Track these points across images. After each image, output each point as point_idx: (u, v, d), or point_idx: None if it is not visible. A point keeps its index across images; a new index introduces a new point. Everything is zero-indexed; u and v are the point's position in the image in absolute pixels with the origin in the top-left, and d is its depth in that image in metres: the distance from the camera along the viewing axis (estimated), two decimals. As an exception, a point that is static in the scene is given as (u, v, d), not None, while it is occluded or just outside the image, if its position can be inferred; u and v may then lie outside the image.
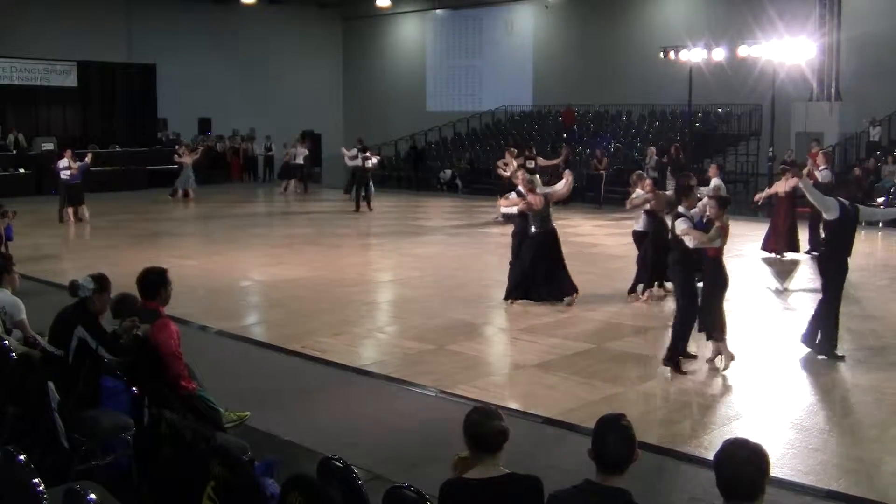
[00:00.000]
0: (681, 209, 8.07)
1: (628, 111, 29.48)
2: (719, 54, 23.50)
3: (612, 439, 3.33)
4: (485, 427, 3.54)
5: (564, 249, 15.21)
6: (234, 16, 34.75)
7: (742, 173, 25.71)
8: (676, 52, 23.98)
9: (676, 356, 7.96)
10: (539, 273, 10.61)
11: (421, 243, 16.56)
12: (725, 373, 8.00)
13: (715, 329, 8.04)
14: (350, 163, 22.05)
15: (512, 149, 19.99)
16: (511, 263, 11.13)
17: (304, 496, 3.40)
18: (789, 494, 5.42)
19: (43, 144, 25.81)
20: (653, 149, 22.78)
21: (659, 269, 10.53)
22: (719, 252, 7.95)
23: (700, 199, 8.51)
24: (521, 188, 10.91)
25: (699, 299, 8.10)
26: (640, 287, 11.08)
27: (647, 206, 11.04)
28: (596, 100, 29.97)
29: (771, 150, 22.63)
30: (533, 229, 10.70)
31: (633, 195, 11.32)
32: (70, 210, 18.46)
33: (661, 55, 24.50)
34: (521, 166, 18.24)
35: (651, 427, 6.43)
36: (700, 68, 24.18)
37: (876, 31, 23.40)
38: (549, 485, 3.53)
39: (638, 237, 11.31)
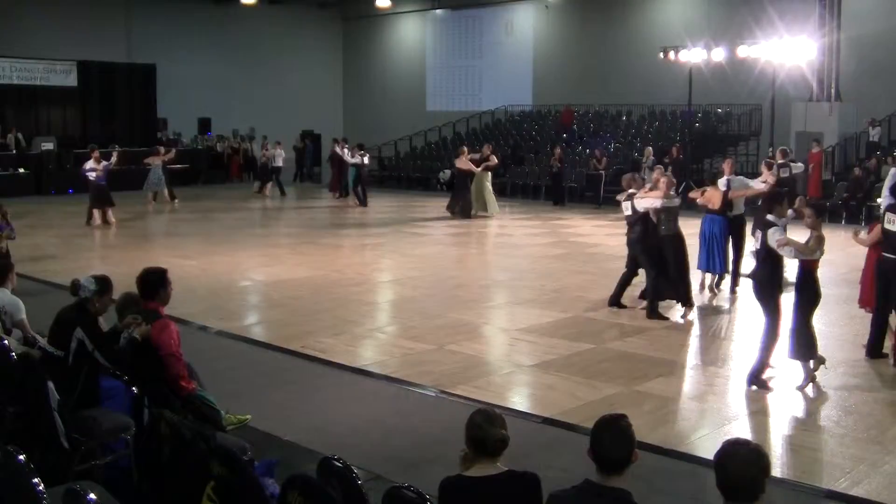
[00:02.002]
0: (771, 218, 7.54)
1: (628, 111, 29.47)
2: (719, 54, 23.48)
3: (610, 439, 3.33)
4: (485, 432, 3.56)
5: (563, 249, 15.35)
6: (234, 16, 34.73)
7: (742, 173, 25.65)
8: (676, 53, 23.96)
9: (761, 374, 7.57)
10: (668, 274, 10.11)
11: (420, 243, 16.56)
12: (726, 374, 8.00)
13: (809, 349, 7.60)
14: (351, 160, 22.72)
15: (463, 147, 21.75)
16: (632, 270, 10.48)
17: (303, 496, 3.40)
18: (789, 494, 5.42)
19: (43, 144, 25.81)
20: (650, 149, 22.79)
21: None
22: (816, 264, 7.61)
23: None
24: (661, 187, 10.18)
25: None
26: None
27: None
28: (596, 100, 29.97)
29: (771, 150, 22.61)
30: (664, 230, 10.08)
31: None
32: (98, 212, 18.11)
33: (661, 55, 24.47)
34: (486, 166, 20.12)
35: (651, 427, 6.42)
36: (700, 68, 24.16)
37: (876, 32, 23.39)
38: (548, 485, 3.53)
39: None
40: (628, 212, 10.21)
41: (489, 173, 20.58)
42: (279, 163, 25.70)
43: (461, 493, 3.54)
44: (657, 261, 10.05)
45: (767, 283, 7.53)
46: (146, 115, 30.03)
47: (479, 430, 3.56)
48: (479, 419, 3.61)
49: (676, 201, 10.11)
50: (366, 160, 22.76)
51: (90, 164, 18.31)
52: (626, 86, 28.62)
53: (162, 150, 23.60)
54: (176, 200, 22.82)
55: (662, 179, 10.27)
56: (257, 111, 33.86)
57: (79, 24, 30.25)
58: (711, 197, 11.12)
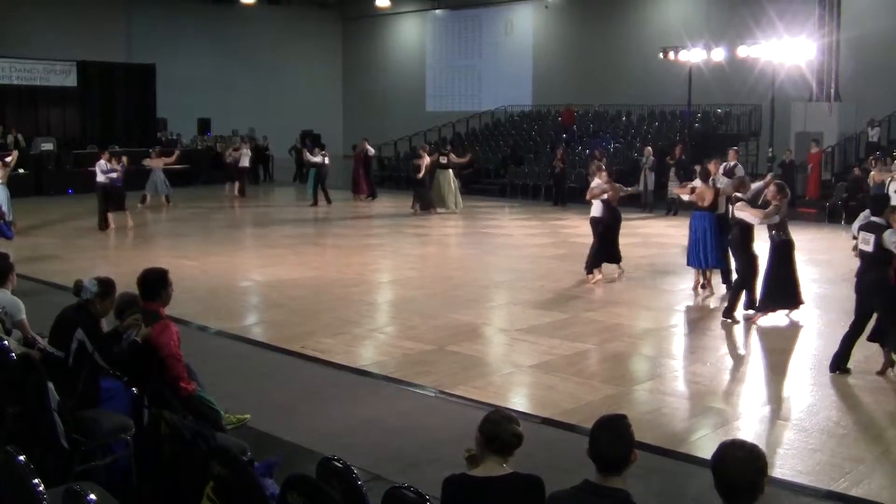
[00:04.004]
0: (880, 220, 7.72)
1: (628, 111, 29.47)
2: (719, 54, 23.52)
3: (609, 439, 3.33)
4: (500, 427, 3.55)
5: (563, 250, 15.35)
6: (234, 16, 34.76)
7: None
8: (676, 53, 24.00)
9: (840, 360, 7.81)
10: (780, 281, 9.80)
11: (420, 243, 16.57)
12: (726, 373, 8.01)
13: None
14: (313, 159, 23.21)
15: (425, 145, 23.13)
16: (744, 275, 10.07)
17: (303, 496, 3.40)
18: (789, 495, 5.43)
19: (42, 145, 25.81)
20: (649, 149, 22.81)
21: (608, 253, 12.22)
22: None
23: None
24: (771, 199, 9.84)
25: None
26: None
27: (605, 196, 12.18)
28: (595, 100, 29.97)
29: (770, 150, 22.64)
30: (774, 237, 9.80)
31: (593, 185, 12.44)
32: (111, 215, 17.43)
33: (661, 55, 24.51)
34: (436, 162, 21.14)
35: (651, 427, 6.42)
36: (700, 68, 24.19)
37: (876, 32, 23.42)
38: (548, 485, 3.53)
39: (594, 223, 12.36)
40: (731, 214, 10.22)
41: (450, 171, 21.35)
42: (245, 163, 24.95)
43: (464, 492, 3.53)
44: (751, 265, 10.01)
45: (885, 283, 7.65)
46: (146, 115, 30.01)
47: (496, 425, 3.56)
48: (495, 416, 3.63)
49: (776, 219, 9.77)
50: (326, 160, 23.07)
51: (105, 164, 17.51)
52: (625, 86, 28.65)
53: (155, 150, 22.57)
54: (141, 205, 21.40)
55: (771, 188, 9.96)
56: (257, 111, 33.87)
57: (78, 24, 30.27)
58: (703, 194, 11.13)
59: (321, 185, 22.88)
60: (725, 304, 10.11)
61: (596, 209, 12.36)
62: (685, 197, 11.79)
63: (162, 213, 21.43)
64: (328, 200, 22.72)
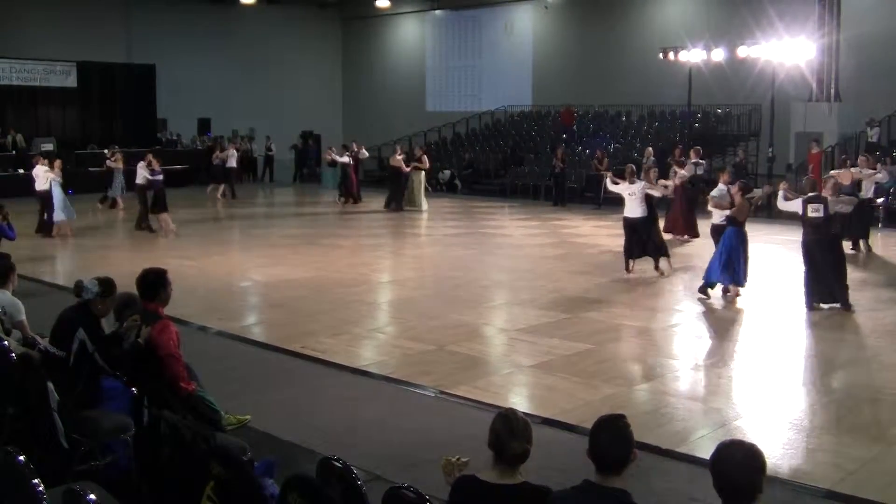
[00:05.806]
0: None
1: (628, 111, 29.48)
2: (719, 55, 23.53)
3: (608, 439, 3.32)
4: (503, 443, 3.47)
5: (563, 250, 15.36)
6: (234, 16, 34.76)
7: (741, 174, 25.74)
8: (676, 53, 24.01)
9: None
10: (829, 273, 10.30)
11: (420, 244, 16.58)
12: (726, 374, 8.01)
13: None
14: (340, 160, 23.84)
15: (397, 146, 24.45)
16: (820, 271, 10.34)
17: (303, 496, 3.41)
18: (789, 494, 5.43)
19: (42, 145, 25.79)
20: (650, 149, 22.81)
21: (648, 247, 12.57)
22: None
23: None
24: (829, 194, 10.23)
25: None
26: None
27: (659, 193, 12.98)
28: (595, 100, 29.97)
29: (770, 150, 22.65)
30: (835, 229, 10.30)
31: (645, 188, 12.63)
32: (157, 217, 17.20)
33: (661, 55, 24.52)
34: (415, 166, 21.91)
35: (651, 427, 6.42)
36: (700, 69, 24.20)
37: (875, 32, 23.41)
38: (548, 485, 3.53)
39: (643, 224, 12.56)
40: (819, 213, 10.14)
41: (422, 172, 22.04)
42: (233, 163, 24.93)
43: (474, 495, 3.49)
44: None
45: None
46: (146, 115, 30.02)
47: (499, 439, 3.48)
48: (501, 428, 3.49)
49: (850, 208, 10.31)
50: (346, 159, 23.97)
51: (155, 166, 17.35)
52: (625, 86, 28.64)
53: (113, 150, 22.33)
54: (100, 204, 21.60)
55: (837, 177, 10.56)
56: (257, 111, 33.87)
57: (78, 24, 30.26)
58: (742, 209, 10.97)
59: (341, 184, 23.60)
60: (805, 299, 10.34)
61: (637, 209, 12.49)
62: (723, 212, 11.43)
63: (119, 215, 20.98)
64: (344, 200, 23.33)
